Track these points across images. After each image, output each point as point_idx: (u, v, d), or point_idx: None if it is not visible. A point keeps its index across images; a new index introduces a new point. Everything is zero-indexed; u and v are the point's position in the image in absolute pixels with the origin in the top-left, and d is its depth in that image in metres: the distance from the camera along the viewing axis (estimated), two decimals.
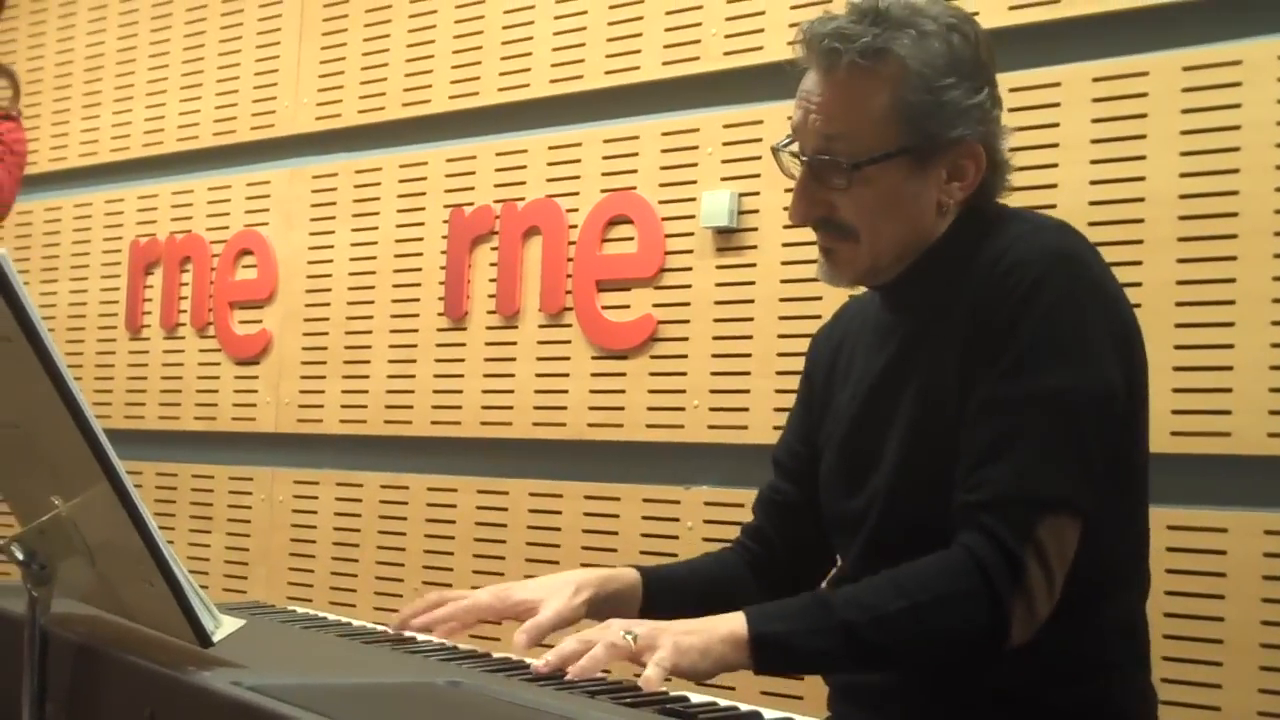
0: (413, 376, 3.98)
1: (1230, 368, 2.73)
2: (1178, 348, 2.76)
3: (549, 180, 3.75)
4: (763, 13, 3.40)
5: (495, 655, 1.81)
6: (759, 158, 3.36)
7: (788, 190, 3.27)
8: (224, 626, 1.48)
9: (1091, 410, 1.74)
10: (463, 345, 3.88)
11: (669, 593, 2.03)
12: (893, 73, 1.83)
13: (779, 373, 3.32)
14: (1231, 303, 2.75)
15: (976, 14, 3.03)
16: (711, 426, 3.42)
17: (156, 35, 4.75)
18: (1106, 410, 1.76)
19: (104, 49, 4.92)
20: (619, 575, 2.02)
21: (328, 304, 4.20)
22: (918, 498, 1.82)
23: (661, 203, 3.54)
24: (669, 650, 1.63)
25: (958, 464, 1.77)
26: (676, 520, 3.43)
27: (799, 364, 3.25)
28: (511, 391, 3.77)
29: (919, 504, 1.81)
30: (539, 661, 1.65)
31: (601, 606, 1.96)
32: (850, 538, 1.95)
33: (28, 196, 4.42)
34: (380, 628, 1.99)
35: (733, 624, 1.68)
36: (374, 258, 4.10)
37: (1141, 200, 2.86)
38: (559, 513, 3.65)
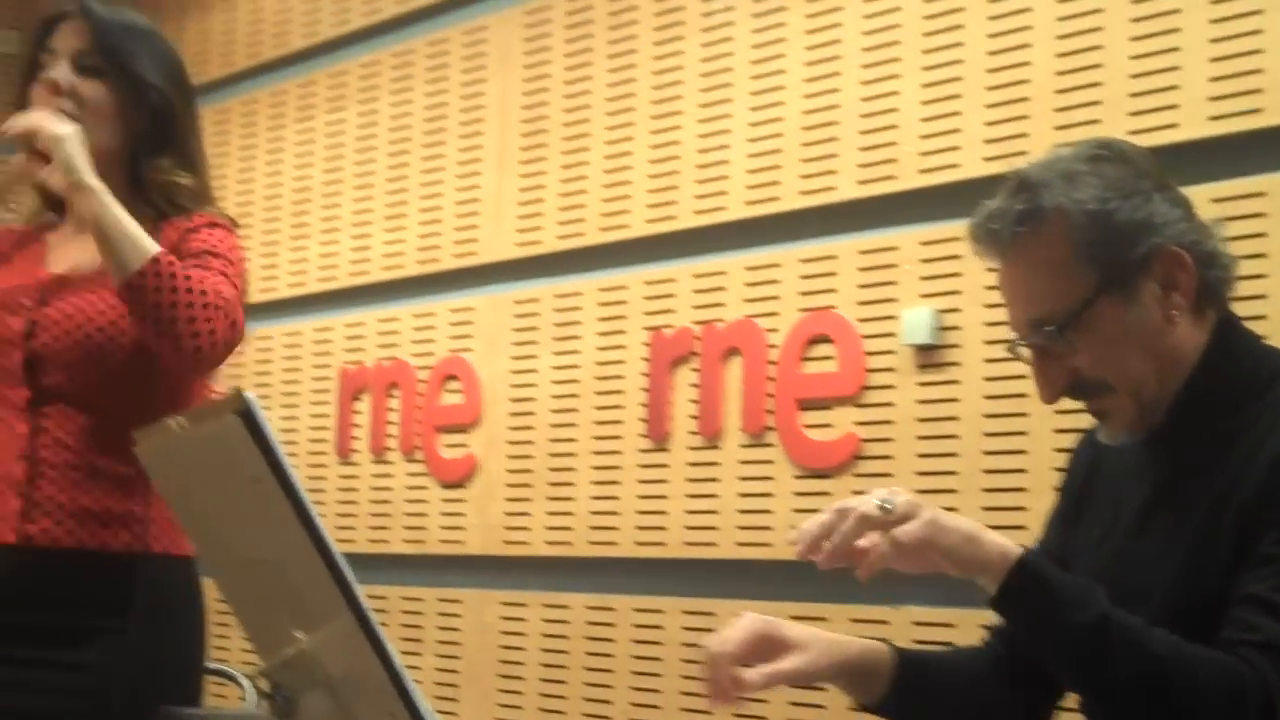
0: (617, 498, 4.02)
1: None
2: None
3: (747, 300, 3.79)
4: (959, 130, 3.42)
5: None
6: (959, 274, 3.37)
7: (988, 306, 3.30)
8: None
9: None
10: (666, 466, 3.91)
11: (917, 676, 1.99)
12: (1055, 224, 1.85)
13: (985, 490, 3.30)
14: None
15: (1174, 125, 3.05)
16: None
17: (361, 168, 4.91)
18: None
19: (311, 182, 5.09)
20: (877, 650, 2.00)
21: (532, 427, 4.27)
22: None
23: (861, 321, 3.55)
24: (922, 521, 1.69)
25: (1224, 615, 1.76)
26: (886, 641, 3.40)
27: (1006, 481, 3.27)
28: (716, 512, 3.79)
29: None
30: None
31: (851, 677, 1.96)
32: None
33: None
34: None
35: (1008, 542, 1.72)
36: (576, 380, 4.17)
37: None
38: None
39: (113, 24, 2.44)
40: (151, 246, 2.26)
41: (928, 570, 1.74)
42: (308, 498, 1.45)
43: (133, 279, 2.23)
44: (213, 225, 2.44)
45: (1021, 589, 1.70)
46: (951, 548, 1.70)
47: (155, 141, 2.45)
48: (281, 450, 1.44)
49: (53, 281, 2.41)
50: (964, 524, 1.73)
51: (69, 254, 2.46)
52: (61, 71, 2.41)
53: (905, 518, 1.70)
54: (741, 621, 1.91)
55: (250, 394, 1.43)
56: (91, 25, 2.43)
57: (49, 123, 2.30)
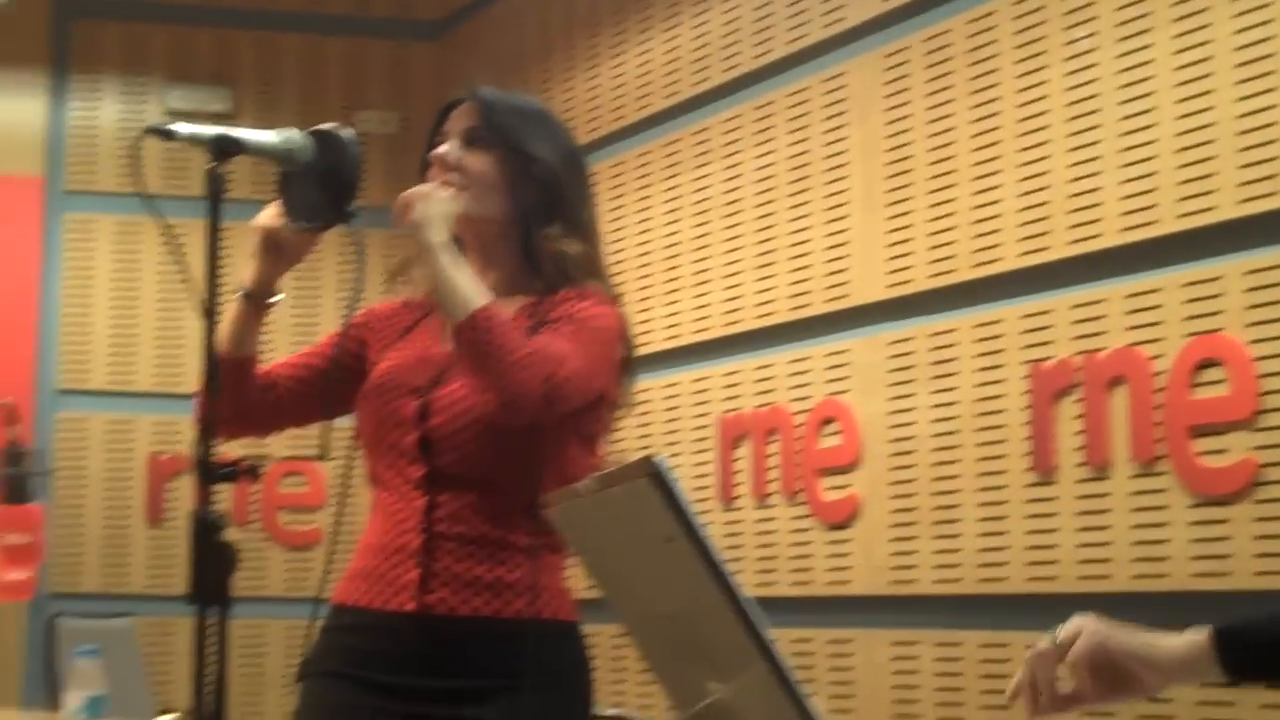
0: (1004, 533, 3.98)
1: None
2: None
3: (1129, 329, 3.72)
4: None
5: None
6: None
7: None
8: None
9: None
10: (1054, 499, 3.86)
11: None
12: None
13: None
14: None
15: None
16: None
17: (728, 219, 5.00)
18: None
19: (680, 236, 5.21)
20: None
21: (913, 465, 4.27)
22: None
23: (1252, 342, 3.44)
24: (1086, 636, 1.72)
25: None
26: None
27: None
28: (1109, 543, 3.71)
29: None
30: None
31: None
32: None
33: None
34: None
35: (1188, 634, 1.74)
36: (956, 417, 4.15)
37: None
38: None
39: (501, 103, 2.57)
40: (477, 300, 2.35)
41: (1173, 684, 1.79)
42: (720, 554, 1.50)
43: (455, 330, 2.36)
44: (582, 296, 2.50)
45: (1231, 661, 1.72)
46: (1132, 652, 1.73)
47: (545, 212, 2.54)
48: (693, 510, 1.50)
49: (447, 359, 2.48)
50: (1139, 634, 1.74)
51: None
52: (450, 147, 2.55)
53: (1072, 639, 1.73)
54: None
55: (661, 458, 1.49)
56: (480, 105, 2.56)
57: (416, 191, 2.43)
